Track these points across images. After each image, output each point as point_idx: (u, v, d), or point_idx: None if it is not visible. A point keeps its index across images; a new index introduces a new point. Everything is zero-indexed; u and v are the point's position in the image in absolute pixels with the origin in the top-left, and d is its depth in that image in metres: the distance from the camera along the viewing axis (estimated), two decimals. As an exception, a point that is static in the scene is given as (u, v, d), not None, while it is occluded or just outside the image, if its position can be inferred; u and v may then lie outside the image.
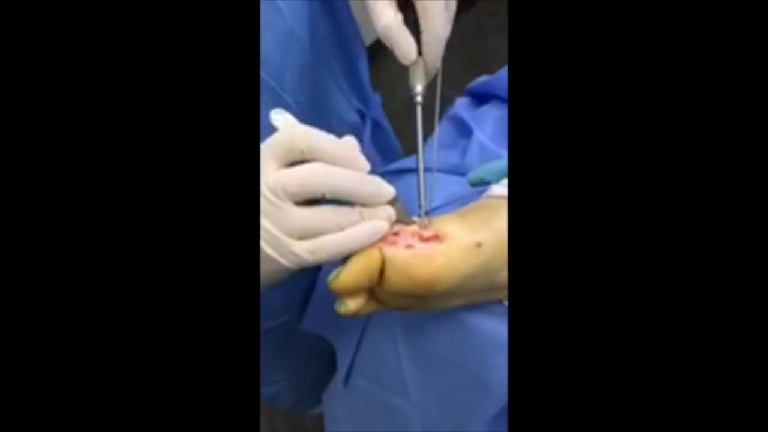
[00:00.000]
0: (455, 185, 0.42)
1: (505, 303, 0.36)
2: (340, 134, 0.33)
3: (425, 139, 0.39)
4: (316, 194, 0.31)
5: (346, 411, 0.47)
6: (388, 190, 0.33)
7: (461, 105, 0.52)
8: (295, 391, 0.64)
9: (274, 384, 0.57)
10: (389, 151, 0.59)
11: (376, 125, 0.55)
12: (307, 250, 0.31)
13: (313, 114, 0.46)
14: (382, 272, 0.32)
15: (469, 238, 0.33)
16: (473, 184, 0.39)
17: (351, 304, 0.33)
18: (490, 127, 0.48)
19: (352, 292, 0.33)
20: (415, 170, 0.37)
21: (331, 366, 0.62)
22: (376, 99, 0.56)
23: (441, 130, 0.51)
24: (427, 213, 0.36)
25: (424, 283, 0.32)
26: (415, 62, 0.39)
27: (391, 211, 0.33)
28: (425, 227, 0.34)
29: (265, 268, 0.32)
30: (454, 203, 0.40)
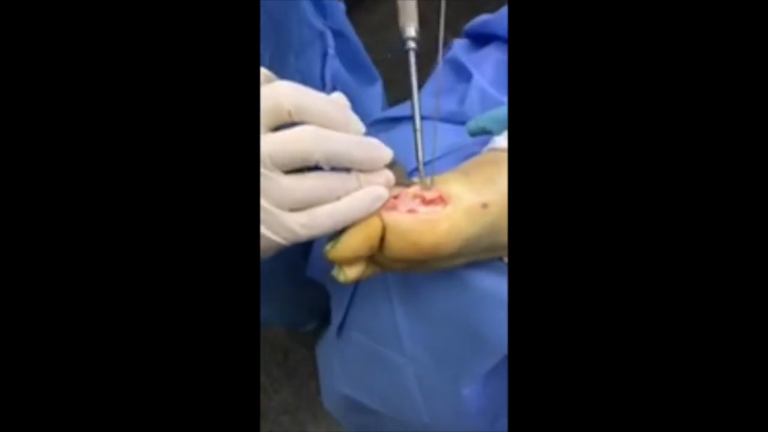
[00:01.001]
0: (453, 135, 0.39)
1: (506, 260, 0.35)
2: (306, 42, 0.29)
3: (419, 85, 0.36)
4: (309, 162, 0.28)
5: (339, 361, 0.47)
6: (386, 152, 0.30)
7: (459, 47, 0.49)
8: (289, 314, 0.64)
9: (268, 309, 0.56)
10: (357, 66, 0.53)
11: (339, 35, 0.50)
12: (301, 224, 0.29)
13: (284, 21, 0.43)
14: (382, 238, 0.30)
15: (474, 198, 0.31)
16: (473, 134, 0.37)
17: (350, 273, 0.31)
18: (490, 71, 0.45)
19: (351, 262, 0.31)
20: (411, 118, 0.35)
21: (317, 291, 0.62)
22: (337, 6, 0.50)
23: (437, 74, 0.48)
24: (424, 165, 0.34)
25: (429, 249, 0.30)
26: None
27: (389, 175, 0.30)
28: (428, 188, 0.31)
29: None
30: (452, 154, 0.38)
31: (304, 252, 0.47)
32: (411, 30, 0.35)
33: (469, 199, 0.31)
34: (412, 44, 0.35)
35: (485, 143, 0.36)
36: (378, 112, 0.54)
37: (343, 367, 0.46)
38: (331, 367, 0.48)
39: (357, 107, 0.31)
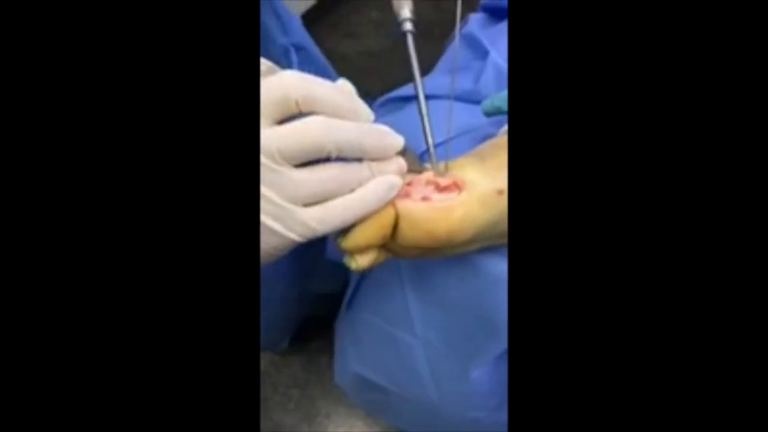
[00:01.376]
0: (467, 114, 0.38)
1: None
2: (273, 60, 0.28)
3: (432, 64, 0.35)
4: (321, 154, 0.27)
5: (352, 340, 0.47)
6: (398, 139, 0.29)
7: (475, 22, 0.48)
8: (263, 333, 0.63)
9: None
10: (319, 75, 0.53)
11: (300, 48, 0.49)
12: (316, 219, 0.27)
13: (265, 35, 0.43)
14: (395, 226, 0.30)
15: (490, 185, 0.30)
16: (488, 114, 0.36)
17: (362, 261, 0.30)
18: (507, 47, 0.44)
19: (364, 251, 0.30)
20: (426, 97, 0.33)
21: (303, 309, 0.62)
22: (294, 21, 0.49)
23: (451, 51, 0.47)
24: (436, 146, 0.33)
25: (443, 237, 0.29)
26: None
27: (402, 163, 0.29)
28: (441, 174, 0.30)
29: (267, 243, 0.27)
30: (466, 135, 0.37)
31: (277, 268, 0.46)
32: (406, 11, 0.33)
33: (485, 185, 0.30)
34: (408, 26, 0.33)
35: (500, 123, 0.36)
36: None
37: (355, 345, 0.46)
38: (343, 346, 0.49)
39: None
